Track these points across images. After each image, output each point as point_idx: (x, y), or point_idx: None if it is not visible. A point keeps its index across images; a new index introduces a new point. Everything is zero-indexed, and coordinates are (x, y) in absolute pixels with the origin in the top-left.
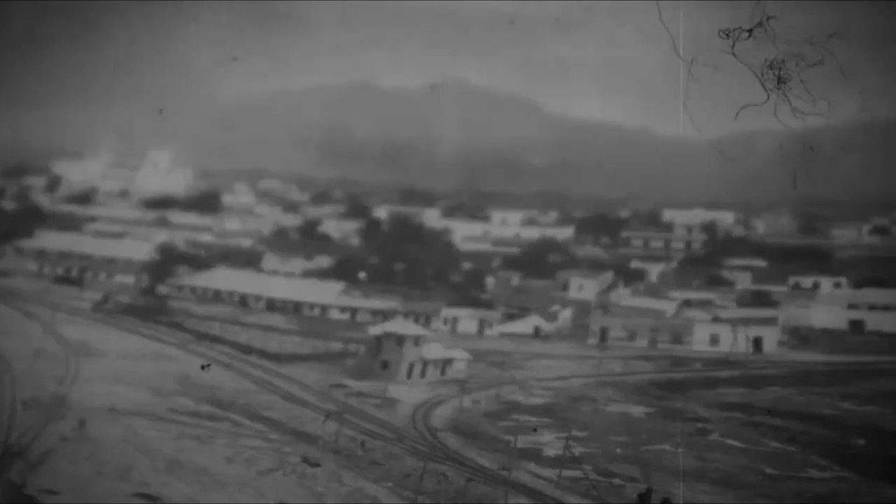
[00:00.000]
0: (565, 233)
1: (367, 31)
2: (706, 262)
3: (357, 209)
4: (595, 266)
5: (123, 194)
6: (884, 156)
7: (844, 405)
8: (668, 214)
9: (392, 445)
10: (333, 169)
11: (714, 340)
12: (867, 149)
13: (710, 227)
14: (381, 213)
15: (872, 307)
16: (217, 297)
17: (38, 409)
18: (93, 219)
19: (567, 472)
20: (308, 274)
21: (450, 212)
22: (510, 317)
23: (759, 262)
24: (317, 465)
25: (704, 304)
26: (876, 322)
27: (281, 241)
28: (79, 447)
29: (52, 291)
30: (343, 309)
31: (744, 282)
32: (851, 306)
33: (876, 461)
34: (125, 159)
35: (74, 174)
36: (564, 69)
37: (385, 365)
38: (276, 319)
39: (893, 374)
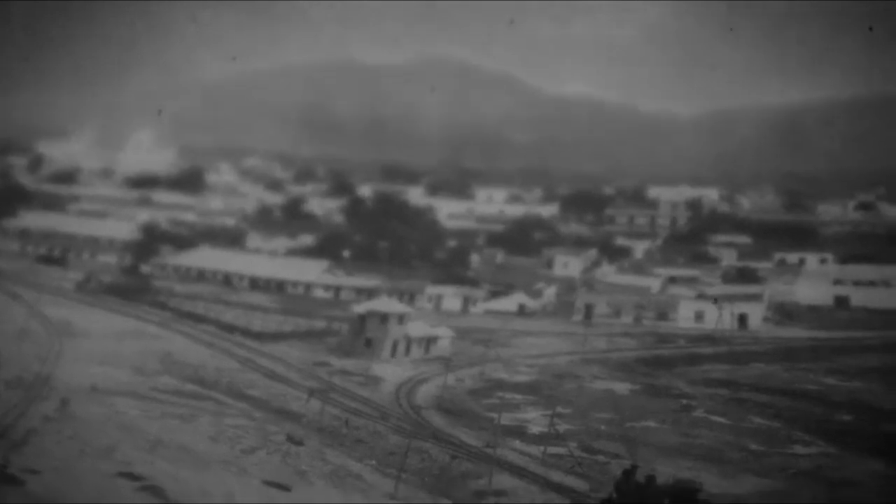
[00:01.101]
0: (550, 210)
1: (351, 8)
2: (691, 238)
3: (341, 187)
4: (580, 243)
5: (107, 173)
6: (869, 132)
7: (829, 381)
8: (652, 191)
9: (376, 423)
10: (317, 146)
11: (699, 317)
12: (852, 125)
13: (695, 204)
14: (365, 190)
15: (858, 283)
16: (200, 276)
17: (21, 388)
18: (76, 198)
19: (552, 449)
20: (292, 252)
21: (434, 189)
22: (495, 294)
23: (745, 239)
24: (301, 443)
25: (689, 281)
26: (861, 298)
27: (264, 220)
28: (62, 427)
29: (36, 271)
30: (327, 287)
31: (729, 258)
32: (837, 282)
33: (861, 436)
34: (109, 138)
35: (58, 153)
36: (549, 46)
37: (369, 343)
38: (259, 298)
39: (878, 349)
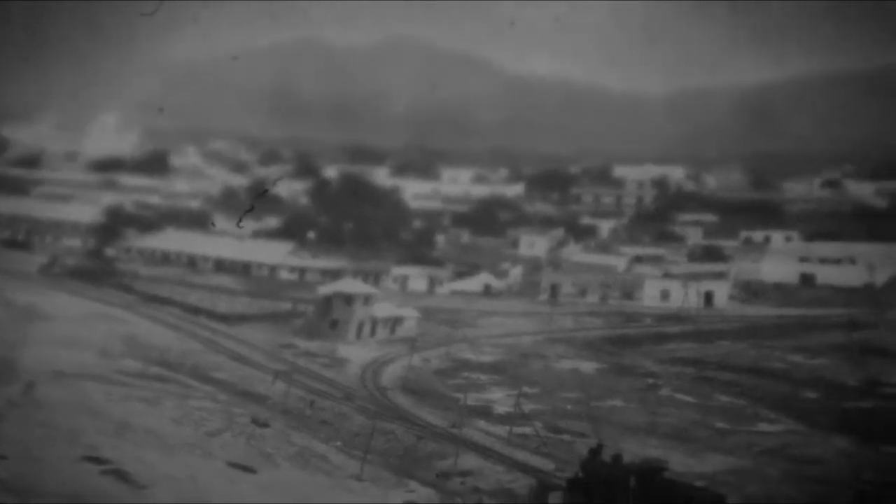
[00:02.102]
0: (515, 190)
1: None
2: (657, 217)
3: (306, 169)
4: (545, 223)
5: (71, 157)
6: (836, 109)
7: (795, 358)
8: (618, 170)
9: (341, 405)
10: (282, 128)
11: (665, 296)
12: (819, 103)
13: (661, 183)
14: (331, 172)
15: (823, 260)
16: (165, 258)
17: None
18: (40, 182)
19: (518, 429)
20: (257, 234)
21: (399, 170)
22: (460, 274)
23: (711, 217)
24: (266, 425)
25: (655, 260)
26: (826, 275)
27: (229, 202)
28: (27, 411)
29: None
30: (292, 269)
31: (695, 237)
32: (802, 259)
33: (827, 413)
34: (73, 122)
35: (21, 137)
36: (516, 26)
37: (334, 324)
38: (224, 280)
39: (844, 326)
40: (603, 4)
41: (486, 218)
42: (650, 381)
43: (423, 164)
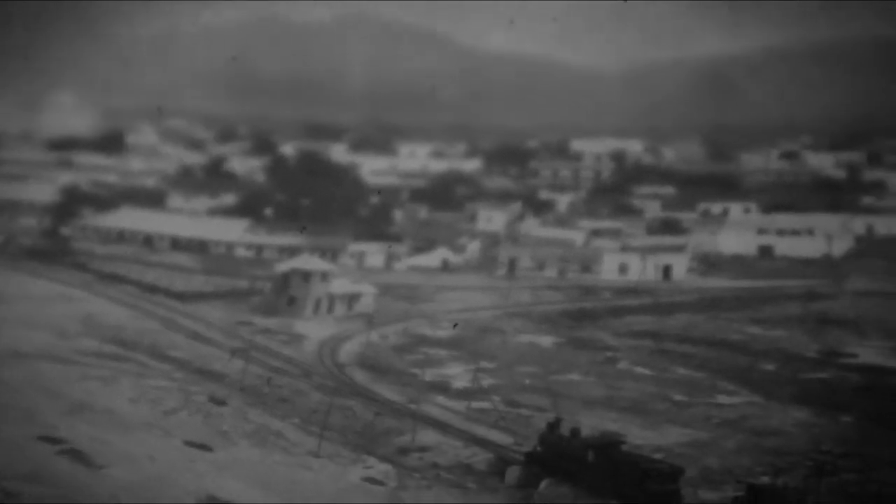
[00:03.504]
0: (473, 164)
1: None
2: (615, 190)
3: (263, 145)
4: (503, 197)
5: (27, 136)
6: (793, 82)
7: (753, 330)
8: (576, 144)
9: (299, 382)
10: (239, 105)
11: (623, 269)
12: (776, 75)
13: (619, 156)
14: (288, 149)
15: (781, 232)
16: (121, 237)
17: None
18: None
19: (476, 404)
20: (213, 212)
21: (357, 146)
22: (418, 250)
23: (669, 190)
24: (223, 403)
25: (613, 233)
26: (785, 247)
27: (186, 180)
28: None
29: None
30: (249, 246)
31: (653, 210)
32: (761, 231)
33: (785, 384)
34: (29, 101)
35: None
36: (474, 1)
37: (291, 301)
38: (181, 258)
39: (801, 297)
40: None
41: (444, 193)
42: (608, 354)
43: (380, 140)
